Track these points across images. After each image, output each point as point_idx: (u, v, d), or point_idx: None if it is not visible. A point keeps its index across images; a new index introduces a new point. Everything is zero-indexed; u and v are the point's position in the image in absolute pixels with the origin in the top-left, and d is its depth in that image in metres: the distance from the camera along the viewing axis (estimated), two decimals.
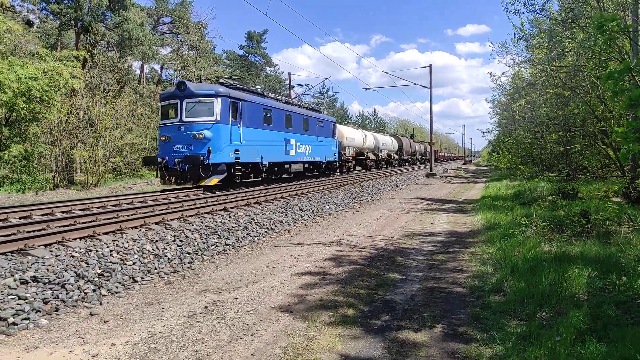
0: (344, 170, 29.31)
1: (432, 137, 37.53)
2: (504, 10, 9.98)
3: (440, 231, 10.35)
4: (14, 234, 6.86)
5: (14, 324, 4.59)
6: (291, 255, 7.85)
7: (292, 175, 21.42)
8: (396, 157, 45.19)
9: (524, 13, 10.18)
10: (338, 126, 28.37)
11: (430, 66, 34.74)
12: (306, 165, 21.28)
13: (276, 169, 18.36)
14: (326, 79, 62.07)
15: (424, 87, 35.83)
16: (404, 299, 5.37)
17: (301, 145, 20.14)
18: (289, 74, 37.66)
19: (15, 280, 5.28)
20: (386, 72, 36.81)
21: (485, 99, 67.49)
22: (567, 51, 11.08)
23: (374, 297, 5.46)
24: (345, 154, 28.55)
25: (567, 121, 13.30)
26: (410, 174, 33.16)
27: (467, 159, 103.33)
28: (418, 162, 58.68)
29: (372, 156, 35.84)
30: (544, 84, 14.68)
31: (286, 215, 11.82)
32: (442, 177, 34.40)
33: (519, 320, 4.49)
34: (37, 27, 30.19)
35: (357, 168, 35.34)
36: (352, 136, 31.36)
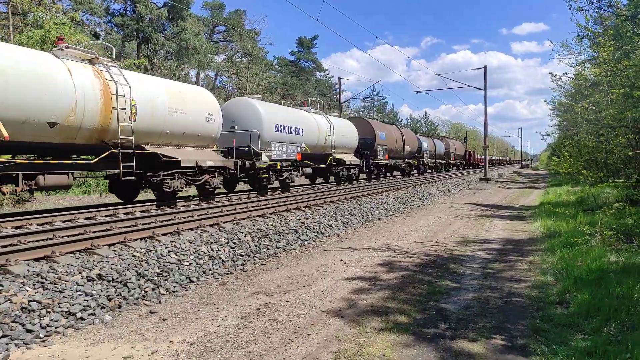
0: None
1: (486, 140, 36.32)
2: (568, 8, 9.45)
3: (496, 238, 9.98)
4: (81, 234, 7.31)
5: (82, 318, 4.88)
6: (341, 260, 7.84)
7: None
8: (355, 162, 22.28)
9: (587, 10, 9.59)
10: None
11: (485, 67, 33.75)
12: None
13: None
14: (376, 82, 61.50)
15: (478, 89, 34.57)
16: (458, 308, 5.21)
17: None
18: (339, 78, 37.91)
19: (82, 278, 5.62)
20: (438, 75, 36.16)
21: (545, 101, 64.11)
22: (636, 48, 10.39)
23: (426, 304, 5.34)
24: None
25: (636, 123, 12.44)
26: (463, 178, 32.24)
27: (524, 163, 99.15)
28: (431, 171, 37.89)
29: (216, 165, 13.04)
30: (610, 84, 13.81)
31: (335, 219, 11.83)
32: (497, 182, 33.20)
33: (583, 334, 4.24)
34: (102, 38, 32.20)
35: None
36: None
